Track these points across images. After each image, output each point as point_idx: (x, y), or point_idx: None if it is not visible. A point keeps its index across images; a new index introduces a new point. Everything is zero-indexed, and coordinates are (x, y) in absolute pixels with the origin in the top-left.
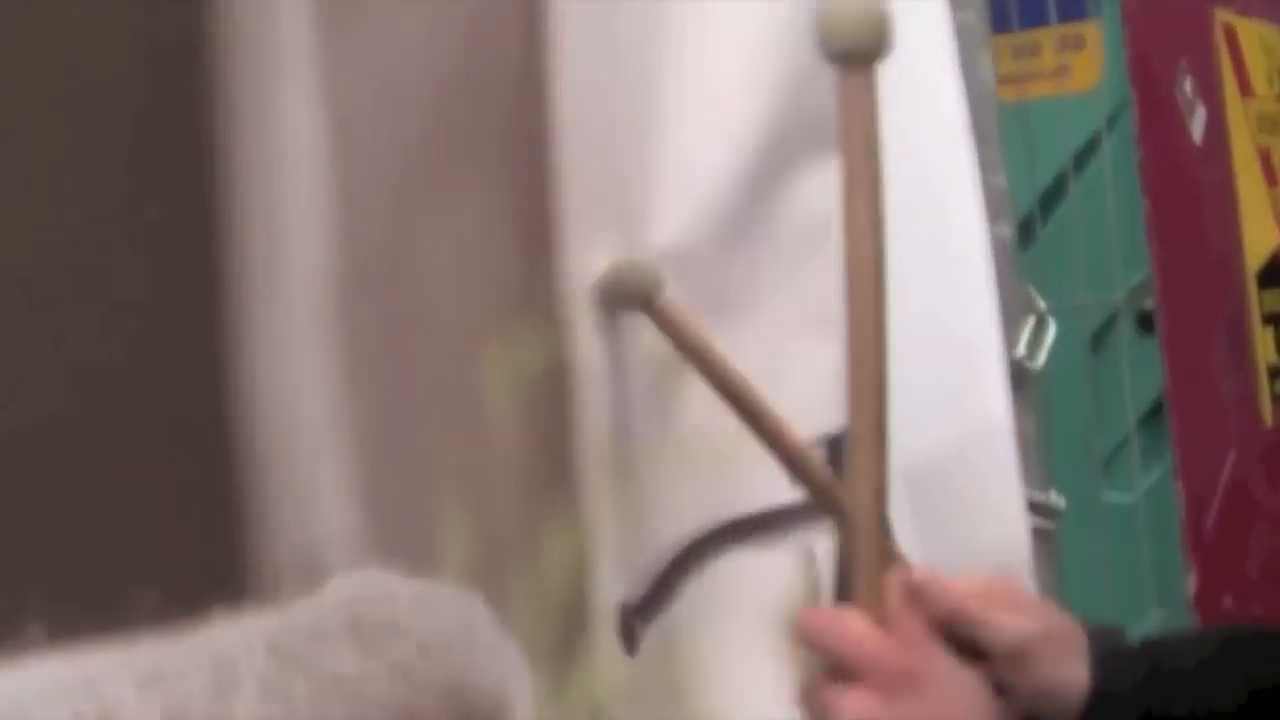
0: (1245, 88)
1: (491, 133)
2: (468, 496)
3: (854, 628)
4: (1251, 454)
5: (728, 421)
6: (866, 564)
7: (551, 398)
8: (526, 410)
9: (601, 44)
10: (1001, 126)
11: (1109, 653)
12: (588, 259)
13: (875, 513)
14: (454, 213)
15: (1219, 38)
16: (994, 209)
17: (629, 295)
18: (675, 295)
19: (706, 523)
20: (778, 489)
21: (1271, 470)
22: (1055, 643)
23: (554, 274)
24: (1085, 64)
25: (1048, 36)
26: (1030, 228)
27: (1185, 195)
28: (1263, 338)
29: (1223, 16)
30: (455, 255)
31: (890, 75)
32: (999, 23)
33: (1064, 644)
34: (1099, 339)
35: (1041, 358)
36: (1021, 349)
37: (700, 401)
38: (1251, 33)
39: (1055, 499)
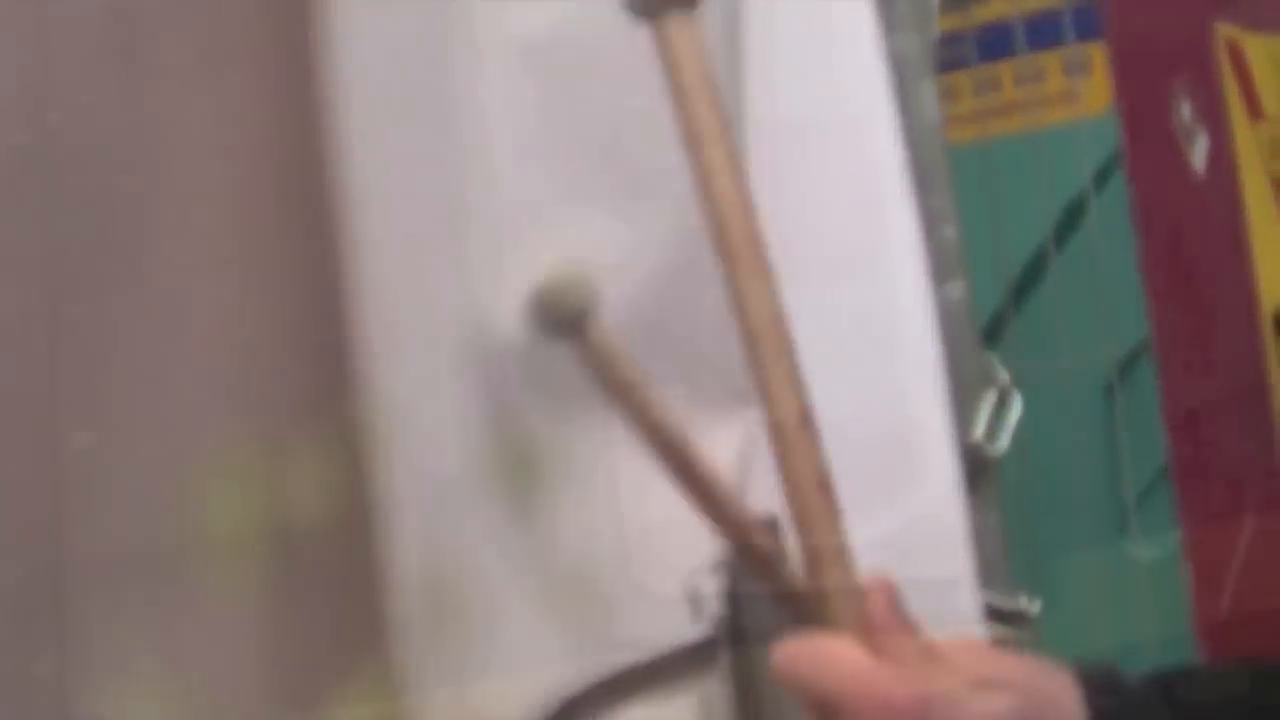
0: (1254, 110)
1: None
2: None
3: (849, 658)
4: (1274, 523)
5: (603, 546)
6: (833, 575)
7: (341, 539)
8: (287, 560)
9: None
10: (1004, 158)
11: (1110, 704)
12: (399, 352)
13: (827, 507)
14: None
15: (1222, 55)
16: (944, 266)
17: (557, 319)
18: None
19: (577, 678)
20: (669, 628)
21: None
22: (1042, 707)
23: (346, 372)
24: (1094, 88)
25: (1053, 60)
26: (1040, 267)
27: (1186, 233)
28: None
29: (1226, 31)
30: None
31: (803, 111)
32: (997, 49)
33: (1053, 708)
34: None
35: (1005, 440)
36: (980, 430)
37: (565, 524)
38: (1260, 48)
39: (1027, 604)
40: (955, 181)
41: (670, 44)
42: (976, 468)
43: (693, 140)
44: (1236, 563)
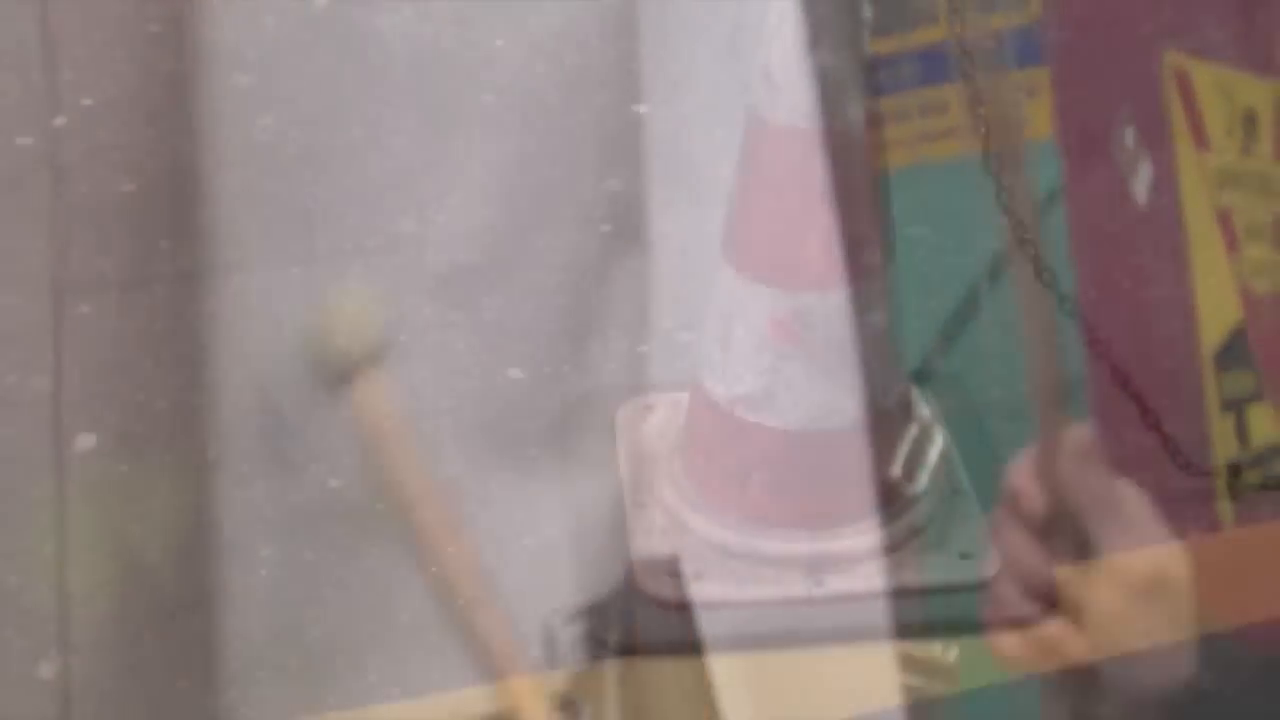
0: (1200, 140)
1: None
2: None
3: None
4: (1208, 564)
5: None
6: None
7: (184, 571)
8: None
9: None
10: (949, 181)
11: None
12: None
13: None
14: None
15: (1169, 83)
16: (867, 293)
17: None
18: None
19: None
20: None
21: (1233, 583)
22: None
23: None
24: (1040, 112)
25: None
26: (976, 298)
27: (1124, 265)
28: (1220, 428)
29: (1173, 59)
30: None
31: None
32: (938, 73)
33: None
34: None
35: (924, 479)
36: (897, 468)
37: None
38: (1207, 76)
39: (945, 652)
40: (903, 203)
41: (365, 405)
42: (890, 503)
43: (404, 504)
44: None
